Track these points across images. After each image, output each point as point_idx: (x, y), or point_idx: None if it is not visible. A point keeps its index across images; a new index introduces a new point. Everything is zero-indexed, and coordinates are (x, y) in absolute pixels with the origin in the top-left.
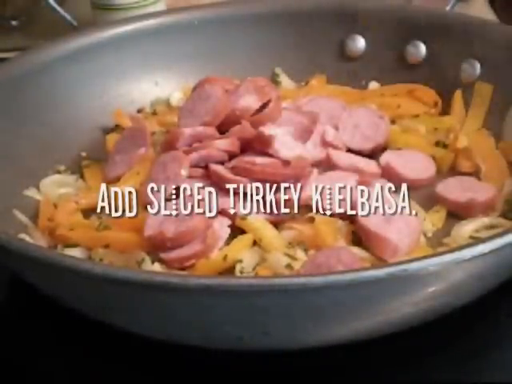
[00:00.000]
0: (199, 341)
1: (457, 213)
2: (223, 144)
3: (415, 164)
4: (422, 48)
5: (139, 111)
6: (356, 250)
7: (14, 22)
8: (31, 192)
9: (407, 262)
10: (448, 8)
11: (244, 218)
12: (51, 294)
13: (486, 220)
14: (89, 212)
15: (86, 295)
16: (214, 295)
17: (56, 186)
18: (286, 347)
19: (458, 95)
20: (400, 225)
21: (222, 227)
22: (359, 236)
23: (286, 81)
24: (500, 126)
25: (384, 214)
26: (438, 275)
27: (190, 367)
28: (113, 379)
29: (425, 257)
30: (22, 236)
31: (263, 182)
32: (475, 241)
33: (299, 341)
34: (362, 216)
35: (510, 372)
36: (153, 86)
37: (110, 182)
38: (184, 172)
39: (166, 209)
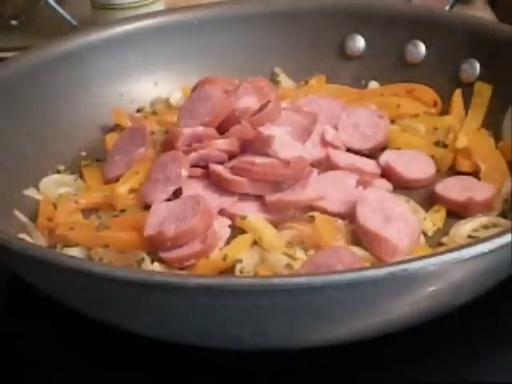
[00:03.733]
0: (199, 341)
1: (456, 212)
2: (223, 144)
3: (415, 164)
4: (422, 48)
5: (139, 111)
6: (356, 250)
7: (13, 22)
8: (31, 192)
9: (407, 261)
10: (448, 8)
11: (244, 217)
12: (51, 293)
13: (484, 219)
14: (89, 212)
15: (85, 295)
16: (213, 295)
17: (55, 186)
18: (286, 347)
19: (457, 95)
20: (400, 225)
21: (222, 227)
22: (359, 236)
23: (285, 80)
24: (499, 125)
25: (383, 214)
26: (438, 275)
27: (190, 367)
28: (113, 379)
29: (425, 256)
30: (23, 236)
31: (263, 182)
32: (475, 240)
33: (299, 341)
34: (362, 216)
35: (510, 372)
36: (152, 86)
37: (110, 181)
38: (184, 172)
39: (166, 209)
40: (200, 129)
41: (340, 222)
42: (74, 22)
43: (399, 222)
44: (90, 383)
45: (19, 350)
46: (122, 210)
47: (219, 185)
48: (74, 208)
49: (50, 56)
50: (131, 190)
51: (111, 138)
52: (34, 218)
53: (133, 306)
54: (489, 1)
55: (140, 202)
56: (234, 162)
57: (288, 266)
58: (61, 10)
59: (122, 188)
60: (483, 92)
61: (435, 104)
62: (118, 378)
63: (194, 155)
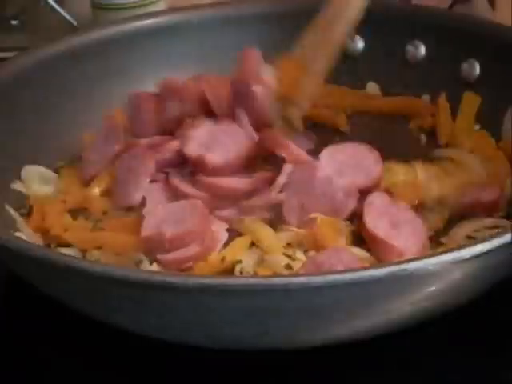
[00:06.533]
0: (199, 341)
1: (460, 213)
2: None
3: None
4: (422, 48)
5: None
6: (357, 251)
7: (14, 22)
8: (17, 186)
9: (407, 261)
10: (448, 8)
11: (240, 220)
12: (50, 293)
13: (486, 220)
14: (76, 212)
15: (85, 295)
16: (213, 295)
17: (37, 179)
18: (286, 347)
19: (442, 100)
20: (407, 232)
21: (221, 230)
22: (360, 236)
23: None
24: (499, 126)
25: (390, 219)
26: (438, 275)
27: (190, 367)
28: (113, 379)
29: (424, 256)
30: (18, 234)
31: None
32: (475, 240)
33: (299, 340)
34: (369, 221)
35: (511, 372)
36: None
37: (87, 182)
38: (151, 165)
39: (163, 210)
40: (157, 138)
41: (342, 222)
42: (74, 22)
43: (406, 229)
44: (89, 383)
45: (19, 349)
46: (105, 213)
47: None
48: (63, 208)
49: (50, 56)
50: (107, 192)
51: (88, 137)
52: (20, 210)
53: (133, 305)
54: (489, 1)
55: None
56: (197, 177)
57: (287, 266)
58: (61, 10)
59: (95, 190)
60: (471, 103)
61: (433, 115)
62: (118, 378)
63: (157, 158)
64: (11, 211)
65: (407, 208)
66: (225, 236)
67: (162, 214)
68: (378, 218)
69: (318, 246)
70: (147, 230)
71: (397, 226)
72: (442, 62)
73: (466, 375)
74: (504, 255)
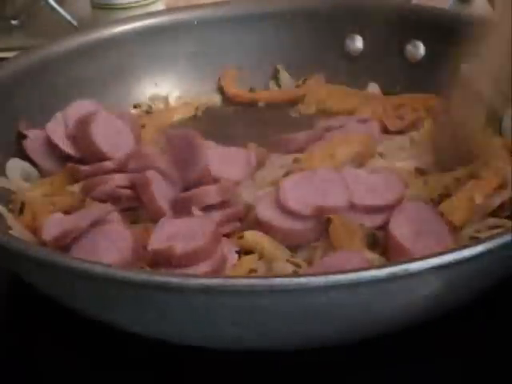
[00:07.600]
0: (199, 341)
1: None
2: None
3: None
4: (422, 48)
5: (135, 107)
6: (368, 254)
7: (14, 22)
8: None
9: (407, 261)
10: (448, 7)
11: (241, 236)
12: (51, 293)
13: (488, 220)
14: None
15: (85, 295)
16: (213, 295)
17: (20, 174)
18: (286, 347)
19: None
20: (429, 241)
21: (231, 251)
22: (375, 239)
23: (285, 77)
24: (499, 126)
25: (417, 226)
26: (439, 275)
27: (190, 367)
28: (113, 379)
29: (425, 256)
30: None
31: None
32: (476, 240)
33: (299, 341)
34: (394, 224)
35: (511, 372)
36: (152, 86)
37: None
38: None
39: (173, 225)
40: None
41: (357, 223)
42: (74, 22)
43: (430, 238)
44: (89, 383)
45: (19, 350)
46: None
47: None
48: (52, 210)
49: (50, 56)
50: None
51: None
52: (11, 209)
53: (133, 305)
54: (489, 1)
55: None
56: None
57: (294, 273)
58: (61, 10)
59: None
60: None
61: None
62: (118, 379)
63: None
64: (1, 208)
65: (442, 222)
66: (234, 258)
67: (171, 229)
68: (404, 223)
69: (332, 247)
70: (156, 243)
71: (421, 235)
72: (441, 61)
73: (467, 375)
74: (504, 255)
